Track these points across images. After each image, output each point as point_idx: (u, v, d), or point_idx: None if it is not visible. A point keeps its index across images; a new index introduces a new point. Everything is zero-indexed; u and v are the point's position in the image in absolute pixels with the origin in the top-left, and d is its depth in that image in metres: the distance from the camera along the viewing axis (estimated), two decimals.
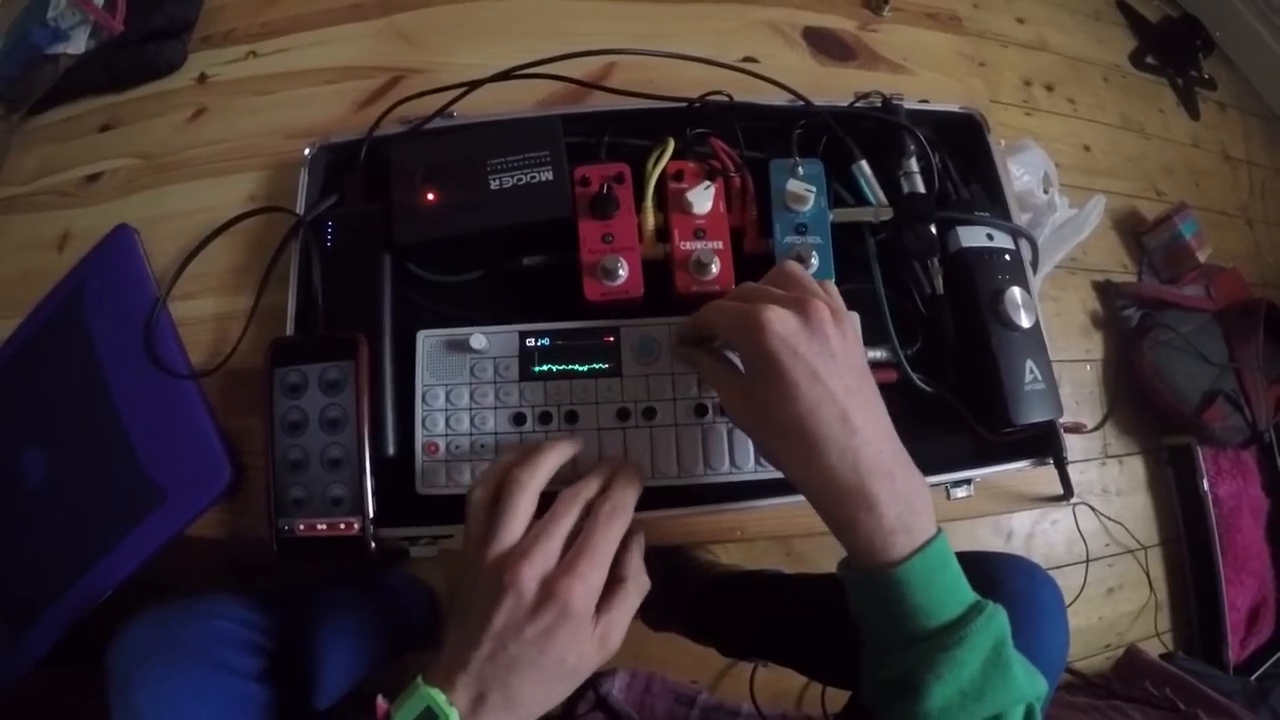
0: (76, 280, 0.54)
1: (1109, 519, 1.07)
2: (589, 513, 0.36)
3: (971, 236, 0.48)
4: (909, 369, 0.46)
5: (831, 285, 0.38)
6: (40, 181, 0.61)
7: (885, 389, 0.45)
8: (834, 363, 0.33)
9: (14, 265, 0.58)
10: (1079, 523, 1.05)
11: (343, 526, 0.42)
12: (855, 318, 0.42)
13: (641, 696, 0.86)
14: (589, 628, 0.33)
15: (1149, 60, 1.40)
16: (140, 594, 0.46)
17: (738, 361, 0.37)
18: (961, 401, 0.46)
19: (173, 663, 0.40)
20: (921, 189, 0.50)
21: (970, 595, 0.34)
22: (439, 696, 0.32)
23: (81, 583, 0.48)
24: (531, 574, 0.32)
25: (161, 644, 0.41)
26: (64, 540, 0.50)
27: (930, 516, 0.34)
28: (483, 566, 0.33)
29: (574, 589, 0.32)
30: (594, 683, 0.84)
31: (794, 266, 0.38)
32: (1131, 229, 1.23)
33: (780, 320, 0.33)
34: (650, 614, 0.82)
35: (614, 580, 0.35)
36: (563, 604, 0.32)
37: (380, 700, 0.33)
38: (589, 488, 0.37)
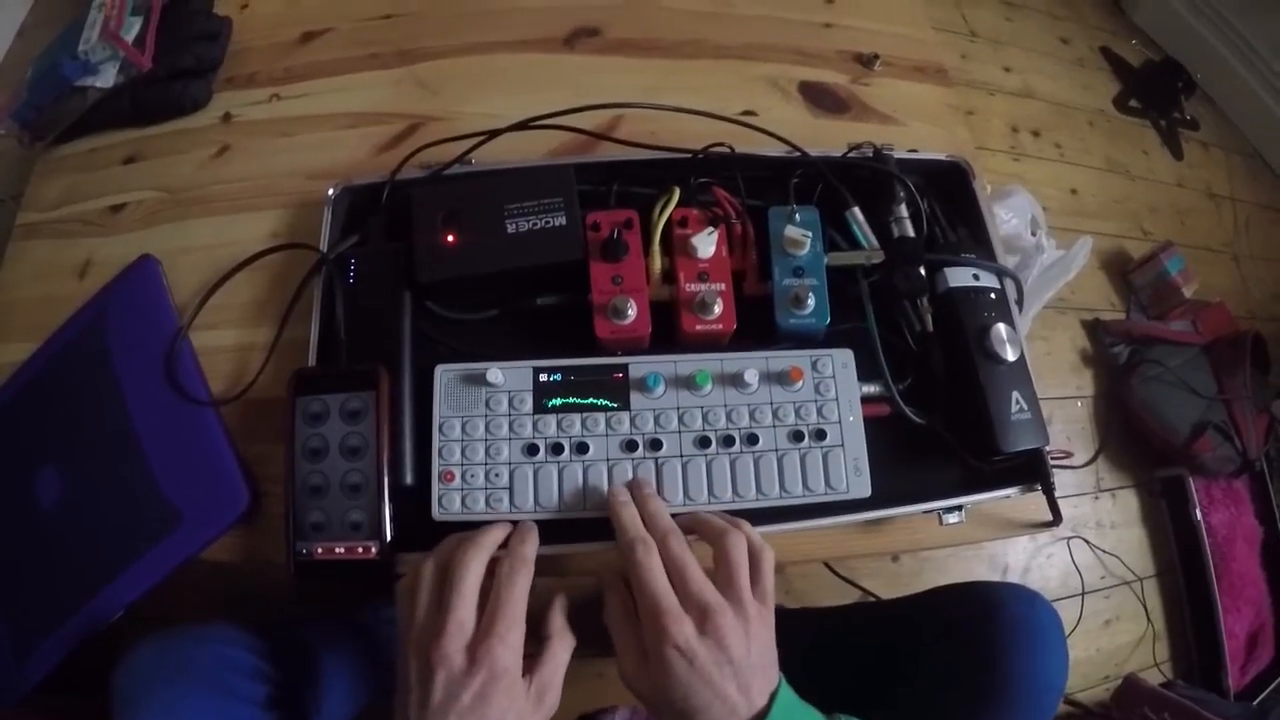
0: (99, 306, 0.55)
1: (1104, 552, 1.07)
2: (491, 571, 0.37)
3: (958, 277, 0.50)
4: (901, 402, 0.48)
5: (767, 562, 0.38)
6: (63, 209, 0.61)
7: (879, 422, 0.48)
8: (730, 669, 0.35)
9: (34, 290, 0.59)
10: (1074, 556, 1.06)
11: (360, 550, 0.43)
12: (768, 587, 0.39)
13: None
14: (522, 686, 0.35)
15: (1133, 104, 1.43)
16: (139, 626, 0.46)
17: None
18: (952, 432, 0.48)
19: (179, 685, 0.41)
20: (911, 233, 0.52)
21: None
22: None
23: (93, 602, 0.48)
24: (454, 646, 0.34)
25: (168, 667, 0.42)
26: (78, 559, 0.50)
27: (767, 686, 0.36)
28: (411, 652, 0.35)
29: (495, 650, 0.34)
30: (596, 719, 0.84)
31: (738, 554, 0.38)
32: (1119, 268, 1.25)
33: (683, 638, 0.35)
34: None
35: (540, 639, 0.37)
36: (489, 665, 0.34)
37: None
38: (479, 550, 0.38)
